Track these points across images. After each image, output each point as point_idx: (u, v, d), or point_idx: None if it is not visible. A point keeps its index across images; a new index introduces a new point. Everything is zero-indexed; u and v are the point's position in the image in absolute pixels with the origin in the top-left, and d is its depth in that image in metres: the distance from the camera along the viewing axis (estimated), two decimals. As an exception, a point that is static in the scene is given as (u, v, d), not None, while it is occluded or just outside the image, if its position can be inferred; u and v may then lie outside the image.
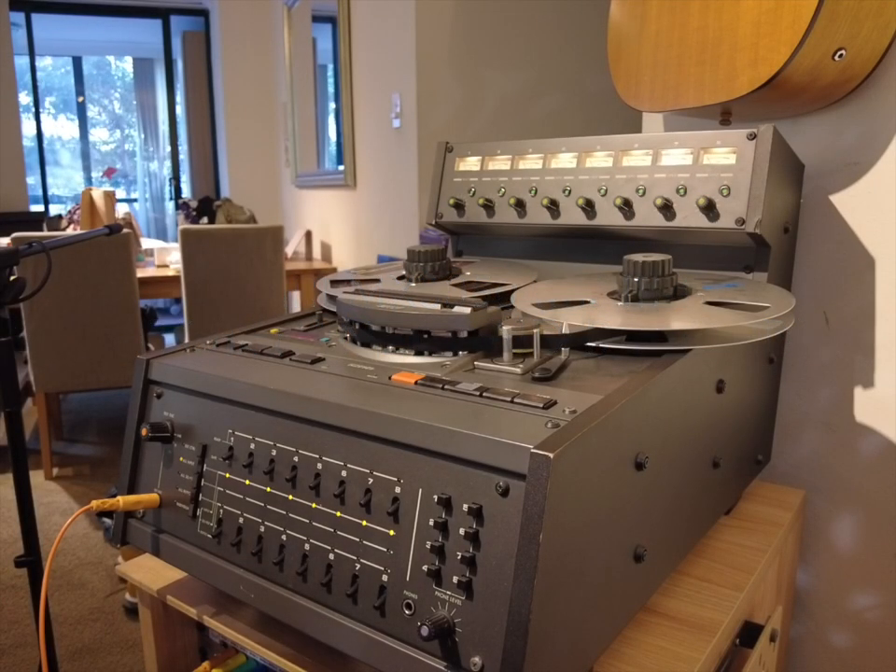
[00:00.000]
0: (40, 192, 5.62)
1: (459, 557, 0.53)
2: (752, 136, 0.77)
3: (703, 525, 0.78)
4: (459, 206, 0.99)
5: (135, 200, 7.34)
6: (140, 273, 3.00)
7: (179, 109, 5.77)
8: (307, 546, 0.62)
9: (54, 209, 5.95)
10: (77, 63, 7.20)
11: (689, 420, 0.68)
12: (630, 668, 0.63)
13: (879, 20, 0.84)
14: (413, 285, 0.89)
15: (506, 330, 0.67)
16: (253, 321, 0.90)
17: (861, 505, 0.99)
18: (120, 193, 7.20)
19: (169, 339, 4.97)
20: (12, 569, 2.11)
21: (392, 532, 0.57)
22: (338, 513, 0.60)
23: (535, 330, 0.67)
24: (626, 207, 0.84)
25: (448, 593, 0.53)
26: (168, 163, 6.11)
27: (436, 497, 0.54)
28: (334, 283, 0.94)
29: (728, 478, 0.81)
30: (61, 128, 7.46)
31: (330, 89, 5.21)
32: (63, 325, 2.63)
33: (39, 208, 5.31)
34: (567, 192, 0.89)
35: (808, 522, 1.04)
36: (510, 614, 0.49)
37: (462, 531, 0.53)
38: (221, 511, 0.69)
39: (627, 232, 0.87)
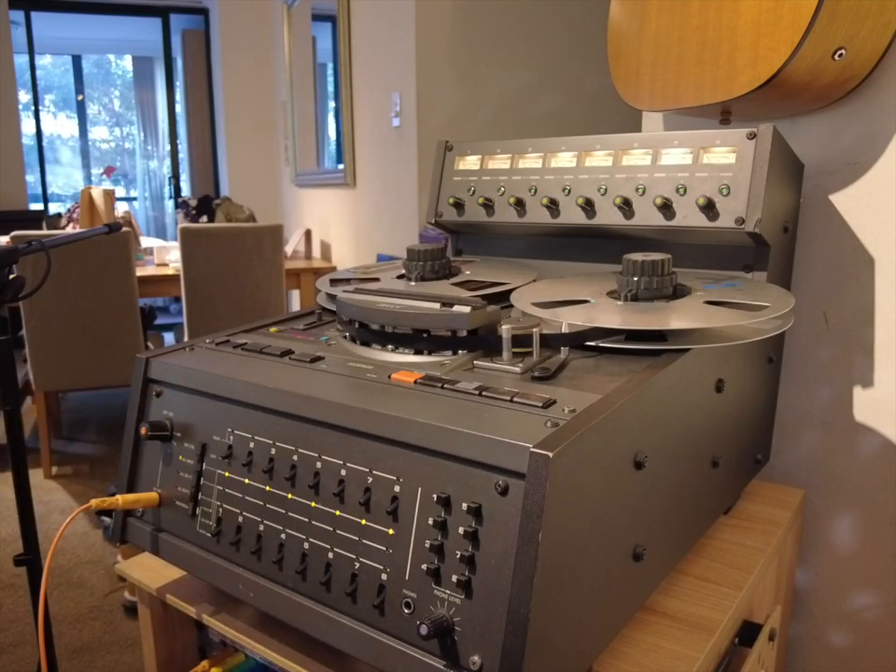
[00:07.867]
0: (40, 191, 5.61)
1: (458, 556, 0.53)
2: (752, 136, 0.77)
3: (702, 524, 0.78)
4: (459, 205, 0.99)
5: (135, 198, 7.33)
6: (139, 272, 3.00)
7: (179, 108, 5.76)
8: (306, 545, 0.62)
9: (54, 207, 5.94)
10: (77, 61, 7.19)
11: (688, 419, 0.68)
12: (629, 667, 0.63)
13: (879, 19, 0.84)
14: (413, 284, 0.89)
15: (505, 329, 0.67)
16: (252, 320, 0.90)
17: (860, 505, 1.00)
18: (120, 192, 7.20)
19: (168, 337, 4.97)
20: (11, 568, 2.11)
21: (391, 531, 0.57)
22: (337, 512, 0.60)
23: (534, 330, 0.67)
24: (626, 206, 0.84)
25: (447, 591, 0.53)
26: (168, 162, 6.10)
27: (435, 495, 0.54)
28: (334, 282, 0.94)
29: (727, 477, 0.81)
30: (60, 126, 7.45)
31: (330, 87, 5.20)
32: (62, 323, 2.62)
33: (39, 206, 5.31)
34: (566, 192, 0.89)
35: (807, 521, 1.04)
36: (509, 613, 0.49)
37: (461, 530, 0.53)
38: (220, 509, 0.69)
39: (627, 232, 0.86)
